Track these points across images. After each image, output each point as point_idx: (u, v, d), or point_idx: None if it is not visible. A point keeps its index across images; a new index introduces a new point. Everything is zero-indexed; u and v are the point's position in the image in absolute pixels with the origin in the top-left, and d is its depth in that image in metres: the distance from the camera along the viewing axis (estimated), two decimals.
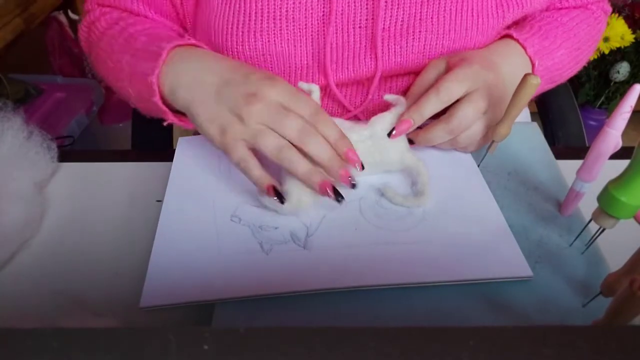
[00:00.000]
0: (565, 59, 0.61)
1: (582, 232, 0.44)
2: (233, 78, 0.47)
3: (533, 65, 0.57)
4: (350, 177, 0.45)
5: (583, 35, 0.63)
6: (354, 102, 0.62)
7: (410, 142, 0.52)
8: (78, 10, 1.46)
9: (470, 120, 0.49)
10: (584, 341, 0.22)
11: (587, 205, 0.43)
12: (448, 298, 0.41)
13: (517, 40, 0.57)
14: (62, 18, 1.41)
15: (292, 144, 0.45)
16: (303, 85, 0.51)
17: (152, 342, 0.22)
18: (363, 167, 0.46)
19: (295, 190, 0.46)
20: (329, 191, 0.44)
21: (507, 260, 0.42)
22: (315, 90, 0.50)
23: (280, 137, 0.45)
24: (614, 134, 0.40)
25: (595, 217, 0.41)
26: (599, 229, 0.41)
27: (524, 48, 0.57)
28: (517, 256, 0.43)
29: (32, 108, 1.28)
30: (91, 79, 1.49)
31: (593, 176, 0.43)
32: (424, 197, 0.48)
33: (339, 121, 0.50)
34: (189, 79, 0.49)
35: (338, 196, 0.44)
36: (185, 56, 0.51)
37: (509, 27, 0.61)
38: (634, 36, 1.59)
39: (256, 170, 0.46)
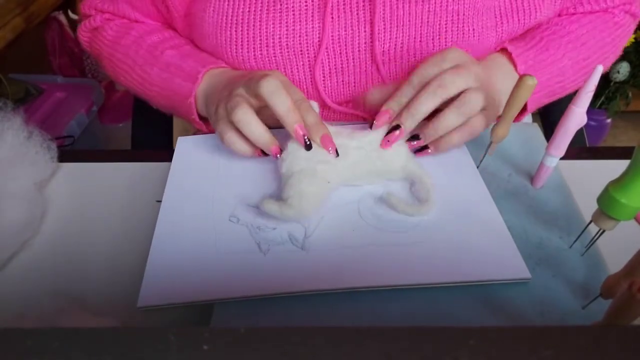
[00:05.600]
0: (568, 71, 0.59)
1: (582, 233, 0.44)
2: (237, 81, 0.52)
3: None
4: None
5: (594, 43, 0.60)
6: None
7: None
8: (78, 11, 1.46)
9: (478, 105, 0.48)
10: (584, 341, 0.22)
11: (587, 206, 0.43)
12: (448, 299, 0.41)
13: (510, 55, 0.56)
14: (62, 18, 1.41)
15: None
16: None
17: (152, 342, 0.22)
18: (337, 154, 0.48)
19: (296, 193, 0.46)
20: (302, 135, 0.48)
21: (505, 262, 0.42)
22: (315, 108, 0.51)
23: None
24: (579, 111, 0.44)
25: (595, 218, 0.41)
26: (599, 230, 0.41)
27: (515, 65, 0.56)
28: (515, 258, 0.43)
29: (32, 108, 1.28)
30: (91, 78, 1.49)
31: (561, 151, 0.48)
32: (428, 205, 0.46)
33: (337, 128, 0.50)
34: (211, 97, 0.55)
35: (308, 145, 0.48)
36: (213, 78, 0.57)
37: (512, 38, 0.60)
38: (634, 36, 1.59)
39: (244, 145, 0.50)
